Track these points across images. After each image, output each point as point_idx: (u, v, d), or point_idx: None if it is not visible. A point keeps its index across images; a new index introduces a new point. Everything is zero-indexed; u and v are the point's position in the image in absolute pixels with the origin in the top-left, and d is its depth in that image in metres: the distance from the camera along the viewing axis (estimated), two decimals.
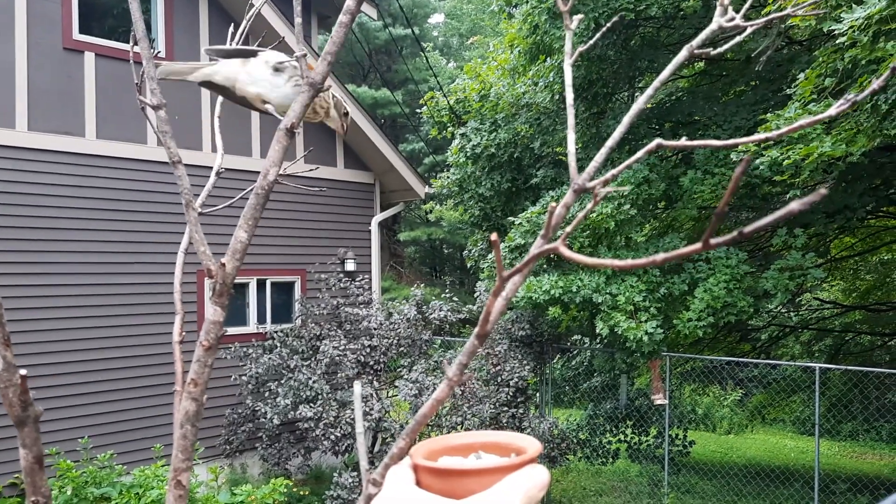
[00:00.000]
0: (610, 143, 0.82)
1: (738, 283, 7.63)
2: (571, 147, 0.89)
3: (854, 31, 4.92)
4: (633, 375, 11.32)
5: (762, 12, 6.46)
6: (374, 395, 8.14)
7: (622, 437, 10.01)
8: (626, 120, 0.87)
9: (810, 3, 1.00)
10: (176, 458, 1.06)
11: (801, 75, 6.07)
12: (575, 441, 9.52)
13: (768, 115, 6.36)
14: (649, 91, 0.81)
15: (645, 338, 7.57)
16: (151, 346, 8.48)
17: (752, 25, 0.79)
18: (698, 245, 0.56)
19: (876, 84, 0.65)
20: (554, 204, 0.79)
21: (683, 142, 0.74)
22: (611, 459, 9.90)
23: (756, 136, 0.67)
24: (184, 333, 1.26)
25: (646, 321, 7.71)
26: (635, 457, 9.97)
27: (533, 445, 0.78)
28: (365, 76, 26.10)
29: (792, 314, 12.61)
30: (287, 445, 8.61)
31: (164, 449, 7.89)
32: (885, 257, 12.49)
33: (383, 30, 24.32)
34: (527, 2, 8.31)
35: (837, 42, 5.35)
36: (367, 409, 7.71)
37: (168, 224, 8.56)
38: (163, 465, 7.24)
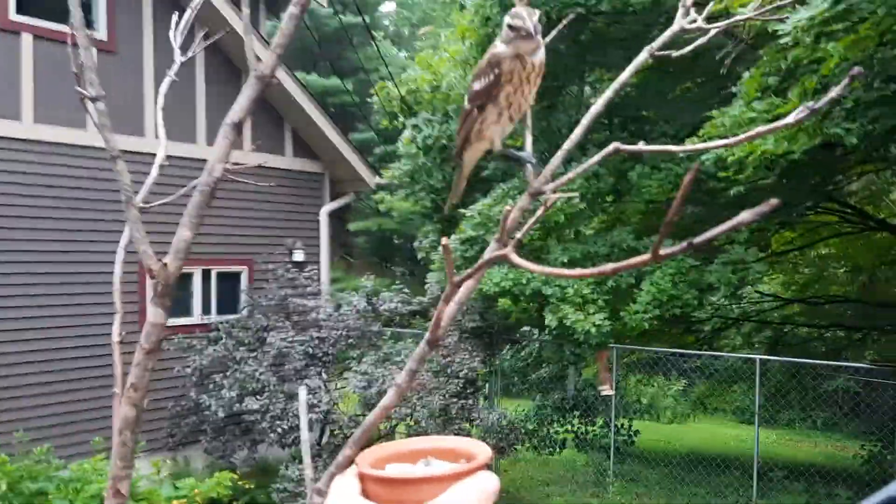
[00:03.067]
0: (567, 145, 0.82)
1: (683, 276, 7.79)
2: (528, 148, 0.88)
3: (798, 32, 5.05)
4: (581, 366, 11.47)
5: (712, 9, 6.57)
6: (323, 387, 8.08)
7: (569, 427, 10.14)
8: (585, 122, 0.86)
9: (766, 9, 1.01)
10: (115, 465, 1.01)
11: (747, 74, 6.20)
12: (523, 431, 9.61)
13: (714, 112, 6.49)
14: (608, 93, 0.81)
15: (593, 329, 7.68)
16: (91, 336, 8.24)
17: (714, 28, 0.78)
18: (647, 256, 0.56)
19: (835, 92, 0.65)
20: (509, 207, 0.78)
21: (640, 146, 0.74)
22: (558, 449, 10.02)
23: (714, 143, 0.67)
24: (123, 333, 1.21)
25: (594, 313, 7.82)
26: (582, 446, 10.12)
27: (483, 451, 0.77)
28: (314, 64, 25.76)
29: (734, 306, 12.93)
30: (232, 438, 8.48)
31: (104, 442, 7.69)
32: (823, 252, 12.91)
33: (333, 17, 24.02)
34: None
35: (781, 42, 5.48)
36: (316, 402, 7.64)
37: (110, 212, 8.31)
38: (102, 459, 7.06)
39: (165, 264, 0.98)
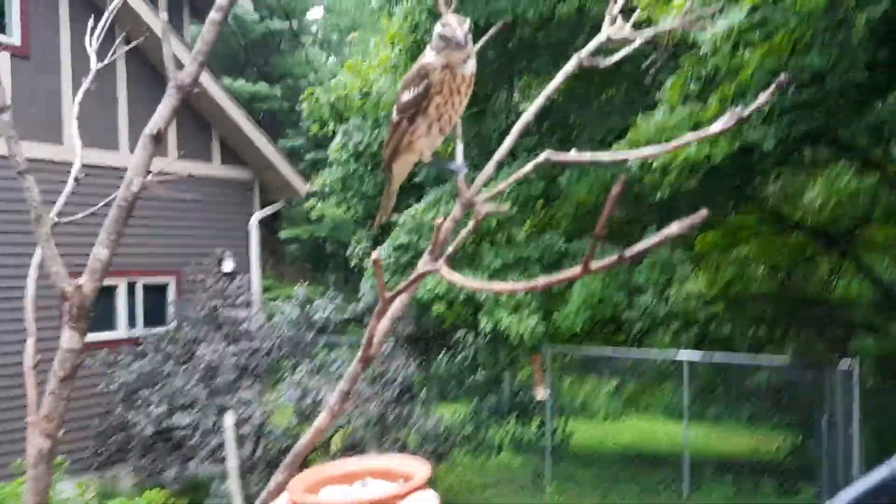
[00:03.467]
0: (497, 156, 0.81)
1: (612, 277, 7.96)
2: (460, 158, 0.87)
3: (717, 41, 5.22)
4: (517, 369, 11.57)
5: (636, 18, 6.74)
6: (256, 399, 7.90)
7: (506, 430, 10.20)
8: (516, 130, 0.86)
9: (691, 19, 1.03)
10: (29, 502, 0.95)
11: (669, 80, 6.38)
12: (460, 436, 9.63)
13: (639, 118, 6.65)
14: (538, 101, 0.81)
15: (527, 333, 7.75)
16: (11, 354, 7.85)
17: (640, 37, 0.79)
18: (578, 270, 0.56)
19: (762, 99, 0.66)
20: (440, 219, 0.76)
21: (573, 155, 0.73)
22: (495, 453, 10.07)
23: (644, 151, 0.67)
24: (39, 356, 1.14)
25: (527, 316, 7.90)
26: (519, 449, 10.19)
27: (421, 470, 0.75)
28: (242, 69, 25.28)
29: (661, 306, 13.24)
30: (162, 455, 8.20)
31: (25, 465, 7.34)
32: (744, 252, 13.35)
33: (260, 22, 23.64)
34: (408, 0, 8.31)
35: (702, 50, 5.66)
36: (249, 415, 7.47)
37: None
38: (23, 483, 6.73)
39: (80, 286, 0.92)
